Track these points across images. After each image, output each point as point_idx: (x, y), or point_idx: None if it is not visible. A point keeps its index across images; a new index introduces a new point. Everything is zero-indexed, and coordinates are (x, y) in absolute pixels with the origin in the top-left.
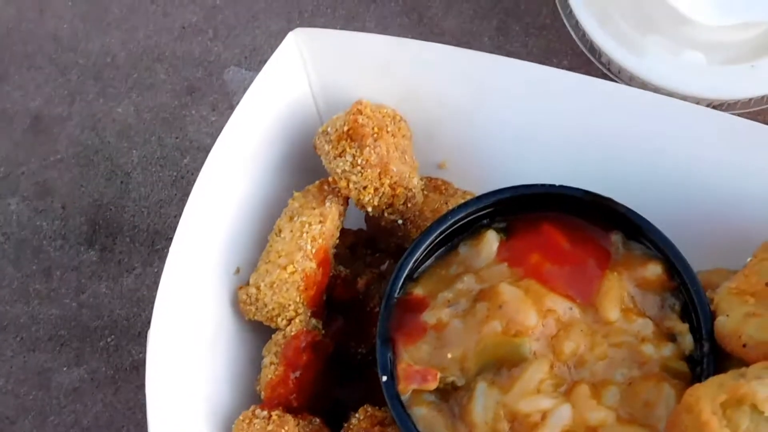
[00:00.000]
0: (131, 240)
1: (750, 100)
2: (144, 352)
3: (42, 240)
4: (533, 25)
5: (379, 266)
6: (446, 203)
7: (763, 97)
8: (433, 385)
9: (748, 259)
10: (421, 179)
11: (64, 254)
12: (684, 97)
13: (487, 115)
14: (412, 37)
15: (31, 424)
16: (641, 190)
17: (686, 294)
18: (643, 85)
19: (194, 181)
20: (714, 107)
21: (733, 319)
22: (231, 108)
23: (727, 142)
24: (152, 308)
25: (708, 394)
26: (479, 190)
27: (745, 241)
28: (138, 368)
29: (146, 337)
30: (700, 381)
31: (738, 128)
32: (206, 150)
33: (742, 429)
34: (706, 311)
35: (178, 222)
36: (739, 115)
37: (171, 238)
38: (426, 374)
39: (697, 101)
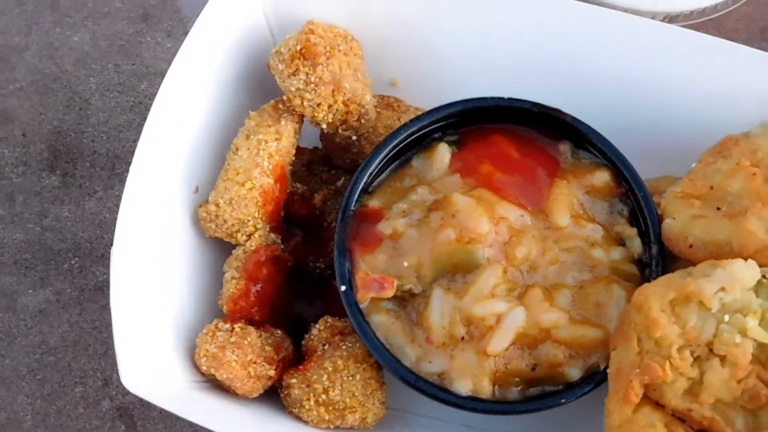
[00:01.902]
0: (92, 165)
1: (692, 12)
2: (107, 273)
3: (4, 167)
4: None
5: (335, 182)
6: (399, 119)
7: (704, 9)
8: (390, 293)
9: (693, 165)
10: (374, 97)
11: (26, 180)
12: (626, 11)
13: (437, 33)
14: None
15: None
16: (589, 100)
17: (634, 199)
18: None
19: (152, 105)
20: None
21: (680, 222)
22: (186, 34)
23: (671, 53)
24: (114, 230)
25: (657, 292)
26: (430, 107)
27: (690, 148)
28: (102, 289)
29: (109, 257)
30: (649, 282)
31: (681, 39)
32: (163, 75)
33: (690, 325)
34: (653, 215)
35: (137, 146)
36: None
37: (131, 162)
38: (383, 282)
39: (640, 14)
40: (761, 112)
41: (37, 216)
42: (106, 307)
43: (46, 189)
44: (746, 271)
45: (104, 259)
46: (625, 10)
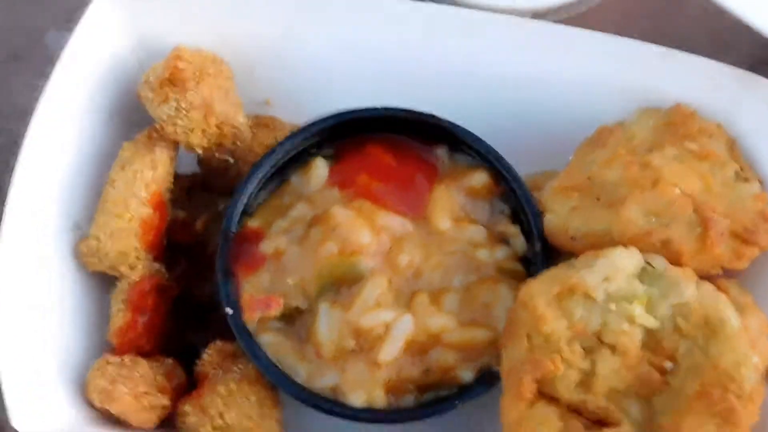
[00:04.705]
0: None
1: (558, 8)
2: None
3: None
4: None
5: (216, 207)
6: (275, 138)
7: (571, 4)
8: (276, 312)
9: (570, 158)
10: (248, 117)
11: None
12: (493, 10)
13: (304, 50)
14: None
15: None
16: (463, 103)
17: (514, 198)
18: (454, 2)
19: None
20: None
21: (560, 215)
22: None
23: (540, 48)
24: None
25: (541, 288)
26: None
27: (569, 142)
28: None
29: None
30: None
31: (549, 33)
32: None
33: (577, 317)
34: (534, 212)
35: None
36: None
37: (4, 204)
38: (269, 302)
39: (505, 13)
40: (634, 99)
41: None
42: None
43: None
44: (628, 259)
45: None
46: (492, 10)
